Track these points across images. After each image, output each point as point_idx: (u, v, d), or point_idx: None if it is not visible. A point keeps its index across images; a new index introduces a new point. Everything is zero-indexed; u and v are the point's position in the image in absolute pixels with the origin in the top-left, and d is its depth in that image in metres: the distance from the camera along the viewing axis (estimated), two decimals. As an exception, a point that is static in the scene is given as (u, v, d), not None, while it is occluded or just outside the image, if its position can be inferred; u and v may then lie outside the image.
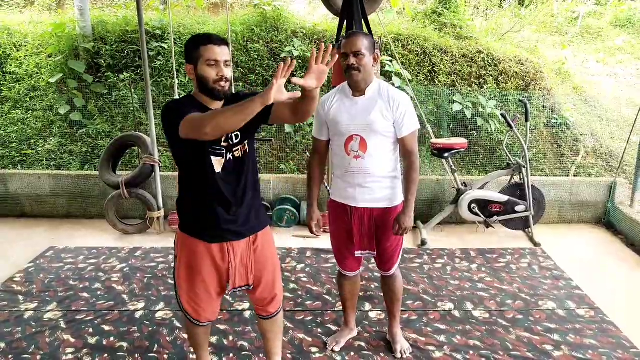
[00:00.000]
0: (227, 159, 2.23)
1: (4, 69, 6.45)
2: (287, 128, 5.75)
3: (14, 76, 6.40)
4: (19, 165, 5.78)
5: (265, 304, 2.52)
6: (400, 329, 3.10)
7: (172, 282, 3.91)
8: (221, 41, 2.14)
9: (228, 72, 2.15)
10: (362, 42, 2.51)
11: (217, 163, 2.20)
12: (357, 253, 2.81)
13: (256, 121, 2.16)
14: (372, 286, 3.87)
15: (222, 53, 2.12)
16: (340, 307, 3.24)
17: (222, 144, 2.19)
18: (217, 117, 1.94)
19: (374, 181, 2.64)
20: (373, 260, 3.16)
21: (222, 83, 2.13)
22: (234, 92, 2.34)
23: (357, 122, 2.58)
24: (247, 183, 2.30)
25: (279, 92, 1.90)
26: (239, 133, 2.22)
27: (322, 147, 2.81)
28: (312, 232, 2.85)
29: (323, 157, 2.85)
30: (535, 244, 4.79)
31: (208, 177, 2.21)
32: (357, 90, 2.61)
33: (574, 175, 5.89)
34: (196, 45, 2.12)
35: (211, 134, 1.96)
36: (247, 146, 2.30)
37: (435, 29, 7.21)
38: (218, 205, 2.25)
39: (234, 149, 2.24)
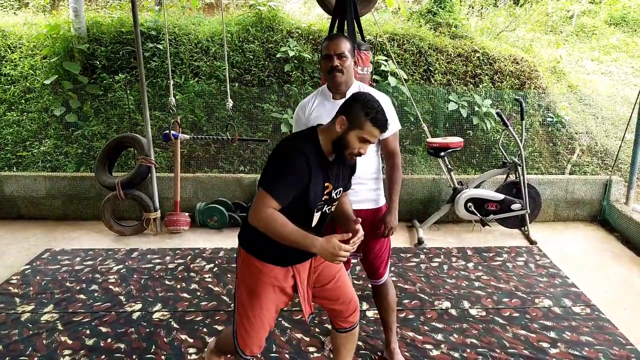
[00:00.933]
0: (324, 211, 2.21)
1: (-1, 71, 6.43)
2: (283, 128, 5.75)
3: (9, 78, 6.38)
4: (15, 168, 5.76)
5: (347, 315, 2.43)
6: (397, 344, 3.01)
7: (170, 283, 3.93)
8: (385, 126, 2.08)
9: (367, 151, 2.15)
10: (345, 45, 2.51)
11: (316, 217, 2.18)
12: None
13: None
14: (369, 285, 3.86)
15: (379, 136, 2.12)
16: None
17: (324, 198, 2.16)
18: (273, 229, 2.00)
19: (358, 183, 2.61)
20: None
21: (356, 157, 2.16)
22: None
23: None
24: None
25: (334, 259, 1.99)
26: (341, 190, 2.25)
27: None
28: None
29: None
30: (532, 242, 4.81)
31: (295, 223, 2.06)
32: (338, 92, 2.60)
33: (570, 174, 5.90)
34: (367, 117, 2.04)
35: (254, 223, 2.03)
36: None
37: (431, 28, 7.22)
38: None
39: (333, 204, 2.25)
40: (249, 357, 2.36)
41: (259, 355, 2.99)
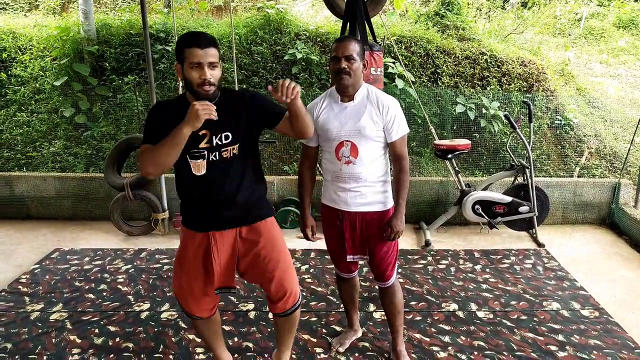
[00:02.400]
0: (211, 159, 2.23)
1: (9, 72, 6.49)
2: (291, 130, 5.76)
3: (19, 79, 6.44)
4: (24, 168, 5.81)
5: (276, 300, 2.49)
6: (404, 346, 3.00)
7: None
8: (207, 42, 2.10)
9: (214, 75, 2.14)
10: (354, 47, 2.49)
11: (198, 166, 2.21)
12: (349, 257, 2.77)
13: (255, 124, 2.28)
14: (376, 287, 3.87)
15: (207, 55, 2.09)
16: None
17: (203, 145, 2.21)
18: (154, 156, 2.10)
19: (365, 186, 2.61)
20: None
21: (206, 87, 2.12)
22: (236, 90, 2.38)
23: (347, 128, 2.55)
24: (238, 184, 2.30)
25: (201, 114, 2.01)
26: (229, 134, 2.23)
27: (311, 153, 2.78)
28: (307, 238, 2.85)
29: (313, 163, 2.81)
30: (539, 245, 4.80)
31: (189, 178, 2.25)
32: (346, 95, 2.59)
33: (578, 176, 5.88)
34: (181, 46, 2.11)
35: (155, 174, 2.16)
36: (238, 149, 2.29)
37: (438, 30, 7.22)
38: (203, 203, 2.30)
39: (222, 150, 2.24)
40: (193, 316, 2.49)
41: (265, 356, 3.02)
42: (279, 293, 2.45)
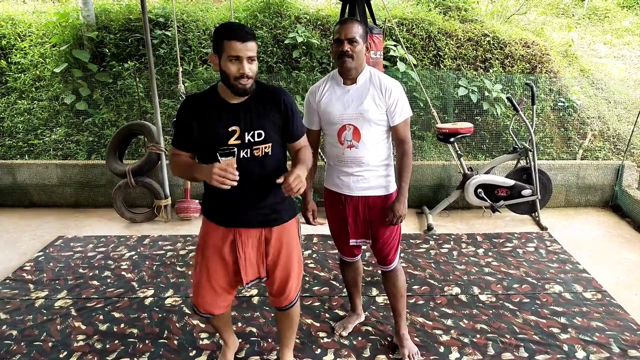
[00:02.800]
0: (242, 157, 2.17)
1: (9, 60, 6.46)
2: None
3: (19, 66, 6.41)
4: (26, 156, 5.81)
5: (277, 298, 2.51)
6: (407, 330, 2.99)
7: (181, 269, 3.97)
8: (247, 36, 2.04)
9: (252, 69, 2.08)
10: (357, 29, 2.45)
11: (227, 163, 2.09)
12: (352, 241, 2.78)
13: (280, 130, 2.27)
14: (379, 271, 3.87)
15: (246, 49, 2.04)
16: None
17: (232, 142, 2.15)
18: (180, 172, 2.23)
19: (368, 170, 2.60)
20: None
21: (243, 80, 2.07)
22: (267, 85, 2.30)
23: (349, 111, 2.53)
24: (267, 185, 2.23)
25: (214, 182, 2.01)
26: (262, 132, 2.18)
27: (314, 136, 2.73)
28: (308, 222, 2.84)
29: (315, 146, 2.76)
30: (542, 228, 4.79)
31: None
32: (349, 78, 2.56)
33: (581, 159, 5.86)
34: (220, 38, 2.05)
35: (177, 175, 2.27)
36: (270, 148, 2.23)
37: (440, 12, 7.14)
38: (229, 200, 2.24)
39: (254, 147, 2.18)
40: (203, 314, 2.46)
41: (269, 340, 3.04)
42: (279, 292, 2.48)
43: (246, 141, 2.16)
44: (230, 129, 2.14)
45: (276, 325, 2.73)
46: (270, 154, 2.22)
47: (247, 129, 2.15)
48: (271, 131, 2.20)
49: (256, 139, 2.17)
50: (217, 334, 2.98)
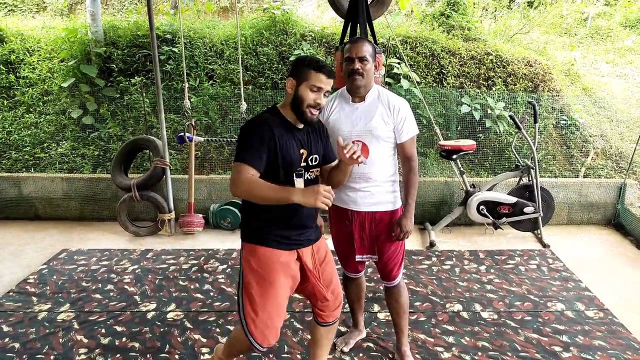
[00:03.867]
0: (306, 178, 2.31)
1: (17, 74, 6.54)
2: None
3: (27, 81, 6.49)
4: (32, 169, 5.86)
5: (333, 309, 2.53)
6: (409, 347, 3.00)
7: (184, 284, 3.98)
8: (332, 74, 2.22)
9: (324, 102, 2.25)
10: (367, 48, 2.54)
11: (299, 183, 2.27)
12: (358, 257, 2.80)
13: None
14: (381, 287, 3.88)
15: (329, 84, 2.22)
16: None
17: (302, 164, 2.29)
18: (253, 192, 2.10)
19: (375, 185, 2.64)
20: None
21: (314, 110, 2.22)
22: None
23: (358, 128, 2.59)
24: None
25: (319, 204, 2.00)
26: (317, 156, 2.36)
27: None
28: None
29: None
30: (544, 245, 4.79)
31: None
32: (357, 95, 2.63)
33: (584, 177, 5.87)
34: (309, 67, 2.19)
35: (237, 196, 2.16)
36: (318, 172, 2.41)
37: (444, 31, 7.22)
38: (293, 221, 2.30)
39: (311, 170, 2.34)
40: (265, 349, 2.36)
41: (270, 356, 3.04)
42: (336, 301, 2.53)
43: (309, 164, 2.32)
44: (300, 151, 2.28)
45: (315, 345, 2.67)
46: (317, 177, 2.41)
47: (310, 153, 2.32)
48: (320, 156, 2.39)
49: (314, 163, 2.35)
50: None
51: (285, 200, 2.06)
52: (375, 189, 2.65)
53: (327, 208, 2.03)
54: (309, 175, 2.33)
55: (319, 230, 2.50)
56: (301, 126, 2.29)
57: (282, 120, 2.25)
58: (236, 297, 2.43)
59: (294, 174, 2.24)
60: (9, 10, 8.56)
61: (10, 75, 6.51)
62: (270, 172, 2.19)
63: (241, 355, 3.00)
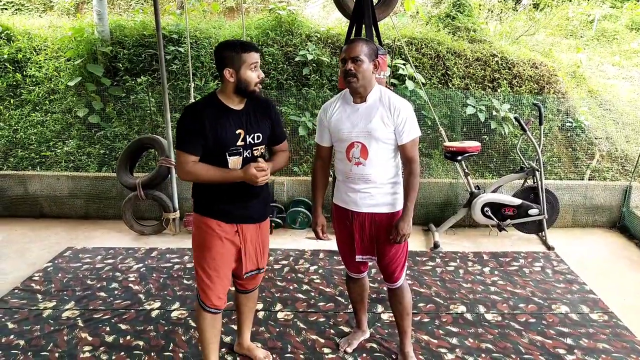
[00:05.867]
0: (245, 156, 2.45)
1: (24, 72, 6.58)
2: (301, 131, 5.79)
3: (34, 79, 6.52)
4: (38, 167, 5.89)
5: (252, 279, 2.77)
6: (412, 348, 3.00)
7: (188, 282, 3.99)
8: (257, 48, 2.40)
9: (261, 74, 2.43)
10: (362, 49, 2.51)
11: (234, 162, 2.42)
12: (358, 258, 2.80)
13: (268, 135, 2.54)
14: (384, 288, 3.87)
15: (259, 57, 2.40)
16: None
17: (239, 143, 2.43)
18: (200, 176, 2.38)
19: (375, 187, 2.63)
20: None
21: (259, 85, 2.42)
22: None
23: (358, 129, 2.58)
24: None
25: (260, 182, 2.38)
26: (260, 135, 2.50)
27: (325, 153, 2.81)
28: (317, 236, 2.87)
29: (326, 162, 2.85)
30: (549, 248, 4.78)
31: None
32: (358, 96, 2.62)
33: (589, 179, 5.85)
34: (239, 51, 2.33)
35: (184, 180, 2.44)
36: (265, 149, 2.57)
37: (449, 32, 7.22)
38: (232, 192, 2.45)
39: (254, 149, 2.49)
40: (212, 309, 2.58)
41: (274, 356, 3.05)
42: (255, 281, 2.81)
43: (247, 142, 2.45)
44: (237, 132, 2.42)
45: (239, 312, 2.94)
46: (263, 155, 2.57)
47: (249, 132, 2.45)
48: (266, 135, 2.54)
49: (255, 141, 2.48)
50: (222, 348, 3.00)
51: (231, 179, 2.39)
52: (375, 191, 2.64)
53: (262, 183, 2.37)
54: (250, 153, 2.47)
55: (267, 210, 2.69)
56: (240, 107, 2.44)
57: (217, 104, 2.41)
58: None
59: (227, 153, 2.40)
60: (16, 10, 8.60)
61: (17, 74, 6.54)
62: (205, 152, 2.39)
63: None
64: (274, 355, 3.06)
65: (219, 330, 2.74)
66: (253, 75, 2.36)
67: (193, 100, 5.30)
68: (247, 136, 2.44)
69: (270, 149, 2.68)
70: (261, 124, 2.50)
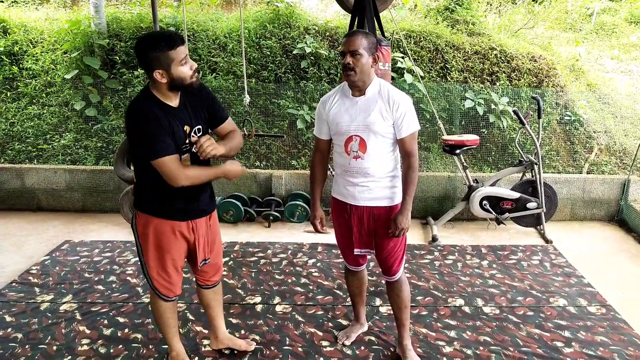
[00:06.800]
0: (192, 152, 2.42)
1: (21, 65, 6.54)
2: (299, 124, 5.77)
3: (30, 72, 6.49)
4: (35, 160, 5.87)
5: (211, 275, 2.80)
6: (410, 341, 2.99)
7: (185, 276, 3.99)
8: (182, 38, 2.26)
9: (192, 65, 2.31)
10: (361, 42, 2.47)
11: (185, 159, 2.38)
12: (356, 251, 2.80)
13: (207, 120, 2.48)
14: (383, 281, 3.87)
15: (186, 49, 2.28)
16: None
17: (187, 140, 2.38)
18: (196, 179, 2.34)
19: (373, 180, 2.62)
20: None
21: (196, 74, 2.31)
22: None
23: (356, 122, 2.56)
24: None
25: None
26: (200, 126, 2.44)
27: (323, 146, 2.80)
28: (316, 230, 2.87)
29: (325, 156, 2.84)
30: (547, 241, 4.79)
31: None
32: (357, 90, 2.59)
33: (587, 173, 5.85)
34: (164, 50, 2.18)
35: (186, 185, 2.31)
36: (213, 133, 2.56)
37: (448, 25, 7.19)
38: (186, 191, 2.41)
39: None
40: (173, 299, 2.67)
41: (272, 348, 3.04)
42: (214, 269, 2.81)
43: (192, 139, 2.40)
44: (185, 128, 2.36)
45: (208, 307, 2.93)
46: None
47: (192, 126, 2.39)
48: (204, 123, 2.47)
49: (199, 134, 2.43)
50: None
51: (221, 175, 2.48)
52: (374, 184, 2.63)
53: (213, 152, 2.33)
54: (195, 148, 2.39)
55: (214, 202, 2.68)
56: (177, 103, 2.34)
57: (160, 104, 2.29)
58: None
59: (180, 153, 2.34)
60: (12, 2, 8.53)
61: (14, 66, 6.50)
62: None
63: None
64: (272, 348, 3.06)
65: (176, 313, 2.81)
66: (185, 69, 2.24)
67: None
68: (191, 132, 2.39)
69: (218, 135, 2.61)
70: (199, 115, 2.43)
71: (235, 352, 3.01)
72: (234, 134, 2.59)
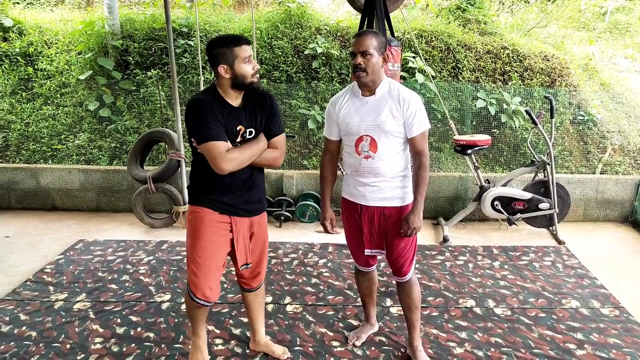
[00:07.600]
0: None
1: (36, 66, 6.62)
2: (311, 124, 5.78)
3: (45, 73, 6.57)
4: (50, 160, 5.94)
5: (250, 280, 2.80)
6: (420, 342, 2.98)
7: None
8: (248, 40, 2.40)
9: (255, 65, 2.43)
10: (371, 42, 2.48)
11: None
12: (367, 251, 2.80)
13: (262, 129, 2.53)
14: (393, 282, 3.87)
15: (251, 49, 2.40)
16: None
17: (238, 139, 2.47)
18: (239, 159, 2.38)
19: (384, 180, 2.62)
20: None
21: (257, 76, 2.42)
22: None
23: (367, 122, 2.56)
24: (256, 172, 2.57)
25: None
26: (253, 130, 2.51)
27: (333, 147, 2.80)
28: (326, 230, 2.87)
29: (335, 156, 2.84)
30: (560, 242, 4.75)
31: None
32: (366, 90, 2.60)
33: (601, 173, 5.80)
34: (230, 46, 2.33)
35: (228, 169, 2.36)
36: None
37: (459, 25, 7.16)
38: (232, 188, 2.48)
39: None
40: (201, 301, 2.56)
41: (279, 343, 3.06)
42: (254, 275, 2.79)
43: (245, 138, 2.49)
44: (237, 128, 2.45)
45: (249, 308, 2.94)
46: None
47: (246, 127, 2.48)
48: (258, 129, 2.53)
49: (250, 136, 2.50)
50: (231, 340, 3.02)
51: (262, 149, 2.50)
52: (384, 184, 2.63)
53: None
54: None
55: (258, 206, 2.65)
56: (238, 103, 2.45)
57: (220, 100, 2.41)
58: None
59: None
60: (27, 4, 8.64)
61: (29, 67, 6.59)
62: None
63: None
64: (276, 344, 3.07)
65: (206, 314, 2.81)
66: (248, 68, 2.36)
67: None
68: (245, 132, 2.47)
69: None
70: (256, 120, 2.51)
71: (248, 351, 3.03)
72: (270, 151, 2.56)
